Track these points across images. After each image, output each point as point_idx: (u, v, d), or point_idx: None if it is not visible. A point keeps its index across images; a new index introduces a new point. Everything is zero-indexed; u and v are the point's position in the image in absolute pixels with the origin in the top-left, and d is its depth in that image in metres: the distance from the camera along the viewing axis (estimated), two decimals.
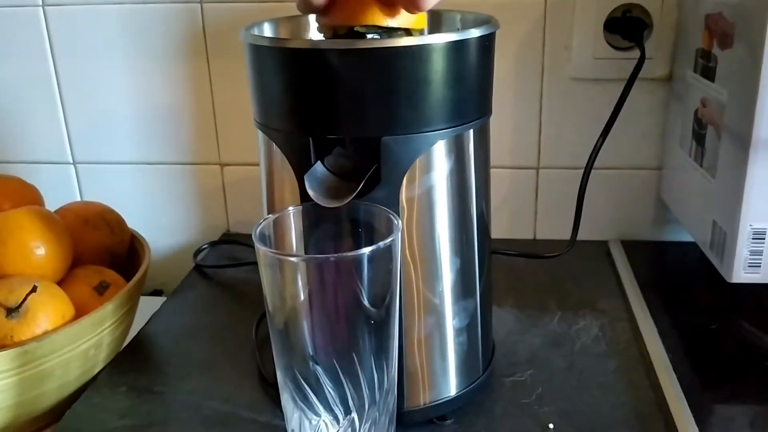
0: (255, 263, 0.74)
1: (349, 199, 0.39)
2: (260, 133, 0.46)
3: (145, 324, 0.62)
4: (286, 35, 0.50)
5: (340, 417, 0.40)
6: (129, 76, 0.76)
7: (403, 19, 0.41)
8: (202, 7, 0.72)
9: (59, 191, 0.81)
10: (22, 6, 0.75)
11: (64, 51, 0.76)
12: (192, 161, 0.79)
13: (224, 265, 0.73)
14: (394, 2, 0.40)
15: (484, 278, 0.49)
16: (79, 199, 0.82)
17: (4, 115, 0.80)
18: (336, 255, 0.35)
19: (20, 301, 0.49)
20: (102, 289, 0.57)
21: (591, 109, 0.71)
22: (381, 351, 0.40)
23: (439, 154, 0.43)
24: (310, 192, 0.40)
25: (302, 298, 0.37)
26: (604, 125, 0.65)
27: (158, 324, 0.63)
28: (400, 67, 0.40)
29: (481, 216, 0.48)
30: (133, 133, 0.79)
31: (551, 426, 0.47)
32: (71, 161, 0.81)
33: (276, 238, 0.41)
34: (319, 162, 0.42)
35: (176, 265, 0.80)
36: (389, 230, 0.39)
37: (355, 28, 0.41)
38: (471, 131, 0.44)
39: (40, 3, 0.75)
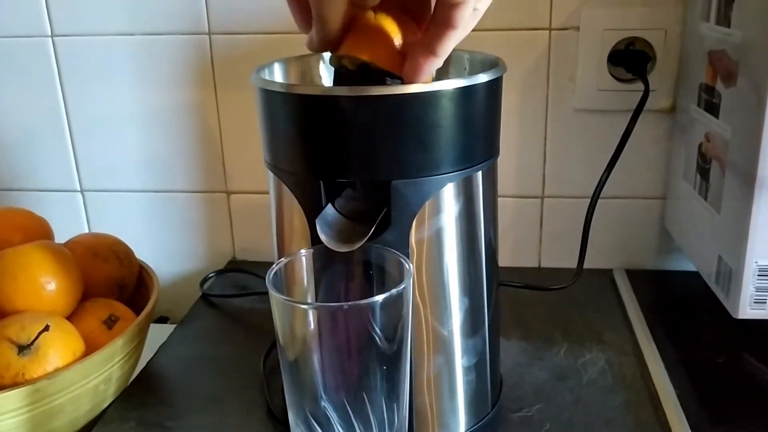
0: (261, 293, 0.74)
1: (361, 244, 0.40)
2: (270, 174, 0.46)
3: (153, 355, 0.63)
4: (296, 76, 0.51)
5: None
6: (137, 105, 0.77)
7: None
8: (210, 38, 0.73)
9: (67, 218, 0.82)
10: (31, 36, 0.76)
11: (73, 80, 0.77)
12: (199, 189, 0.80)
13: (231, 294, 0.74)
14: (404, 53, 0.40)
15: (492, 314, 0.50)
16: (86, 225, 0.83)
17: (13, 143, 0.80)
18: (349, 303, 0.36)
19: (32, 339, 0.50)
20: (111, 323, 0.57)
21: (594, 139, 0.72)
22: (392, 392, 0.40)
23: (449, 197, 0.43)
24: (322, 237, 0.40)
25: (314, 343, 0.38)
26: (607, 155, 0.66)
27: (166, 355, 0.63)
28: (410, 112, 0.40)
29: (490, 253, 0.48)
30: (140, 161, 0.79)
31: None
32: (79, 189, 0.81)
33: (288, 279, 0.42)
34: (330, 205, 0.43)
35: (182, 292, 0.81)
36: (401, 274, 0.40)
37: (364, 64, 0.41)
38: (479, 172, 0.45)
39: (50, 33, 0.75)
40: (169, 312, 0.82)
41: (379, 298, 0.36)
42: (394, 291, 0.36)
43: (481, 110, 0.43)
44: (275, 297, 0.37)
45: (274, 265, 0.40)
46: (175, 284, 0.83)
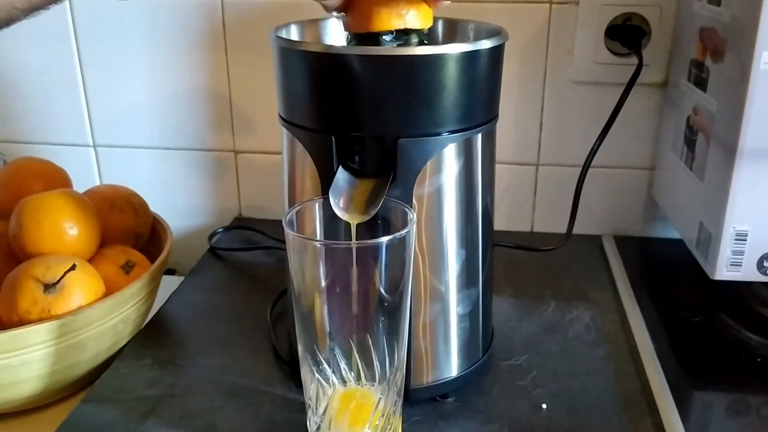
0: (267, 248, 0.78)
1: (373, 214, 0.43)
2: (284, 130, 0.50)
3: (165, 302, 0.66)
4: (311, 38, 0.54)
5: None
6: (150, 64, 0.80)
7: (411, 20, 0.45)
8: (222, 1, 0.76)
9: (79, 173, 0.84)
10: None
11: (88, 37, 0.79)
12: (208, 147, 0.83)
13: (238, 248, 0.77)
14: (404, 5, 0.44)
15: (487, 269, 0.53)
16: (98, 179, 0.86)
17: (27, 96, 0.83)
18: (357, 242, 0.39)
19: (58, 278, 0.53)
20: (128, 268, 0.61)
21: (589, 110, 0.75)
22: (393, 332, 0.44)
23: (450, 156, 0.47)
24: (336, 209, 0.44)
25: (324, 280, 0.41)
26: (600, 126, 0.69)
27: (177, 302, 0.67)
28: (418, 73, 0.43)
29: (486, 212, 0.52)
30: (152, 118, 0.82)
31: (544, 406, 0.52)
32: (91, 144, 0.84)
33: (300, 225, 0.45)
34: (341, 168, 0.46)
35: (189, 246, 0.84)
36: (404, 223, 0.43)
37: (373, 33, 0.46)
38: (479, 135, 0.48)
39: None
40: (176, 265, 0.86)
41: (385, 239, 0.40)
42: (398, 234, 0.40)
43: (483, 74, 0.46)
44: (291, 235, 0.40)
45: (290, 209, 0.43)
46: (182, 239, 0.86)
